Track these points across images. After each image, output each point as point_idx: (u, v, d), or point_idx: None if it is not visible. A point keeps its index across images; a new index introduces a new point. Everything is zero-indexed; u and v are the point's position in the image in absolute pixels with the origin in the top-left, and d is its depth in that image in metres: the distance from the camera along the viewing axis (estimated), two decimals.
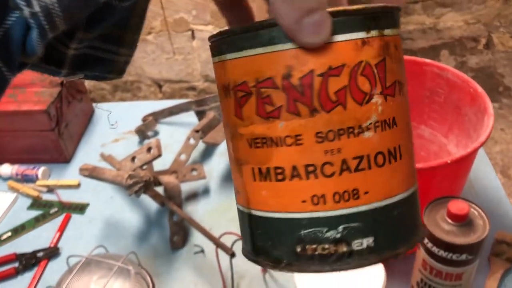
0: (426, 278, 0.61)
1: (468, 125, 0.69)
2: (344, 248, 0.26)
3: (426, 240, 0.58)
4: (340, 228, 0.25)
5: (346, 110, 0.25)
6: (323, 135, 0.25)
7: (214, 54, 0.29)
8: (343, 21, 0.25)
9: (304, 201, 0.26)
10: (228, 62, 0.27)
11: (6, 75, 0.25)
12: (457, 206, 0.56)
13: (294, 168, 0.26)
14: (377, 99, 0.25)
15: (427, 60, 0.73)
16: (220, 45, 0.28)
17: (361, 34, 0.25)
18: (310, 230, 0.26)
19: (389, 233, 0.27)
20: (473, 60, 2.08)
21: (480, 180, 0.82)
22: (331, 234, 0.26)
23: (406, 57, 0.76)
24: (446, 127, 0.75)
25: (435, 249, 0.57)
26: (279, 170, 0.26)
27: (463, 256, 0.56)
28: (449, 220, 0.57)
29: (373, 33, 0.25)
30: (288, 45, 0.25)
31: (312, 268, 0.26)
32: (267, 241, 0.28)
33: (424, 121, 0.77)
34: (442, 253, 0.56)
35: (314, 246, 0.26)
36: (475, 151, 0.59)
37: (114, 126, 1.07)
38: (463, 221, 0.56)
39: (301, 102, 0.25)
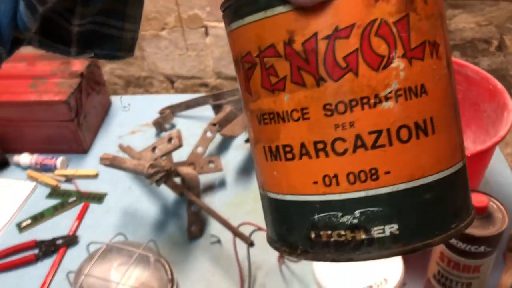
0: (443, 270, 0.61)
1: (487, 121, 0.69)
2: (362, 235, 0.23)
3: None
4: (357, 212, 0.23)
5: (358, 77, 0.22)
6: (332, 107, 0.22)
7: (225, 26, 0.26)
8: None
9: (315, 182, 0.23)
10: (234, 32, 0.25)
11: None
12: (477, 199, 0.57)
13: (303, 145, 0.23)
14: (398, 63, 0.22)
15: None
16: (226, 14, 0.26)
17: None
18: (323, 214, 0.23)
19: (419, 220, 0.23)
20: (485, 62, 2.08)
21: (496, 177, 0.83)
22: (347, 219, 0.23)
23: None
24: (463, 123, 0.75)
25: (453, 241, 0.58)
26: (287, 148, 0.24)
27: (482, 248, 0.57)
28: None
29: None
30: (288, 7, 0.22)
31: (328, 257, 0.24)
32: (282, 226, 0.26)
33: None
34: (460, 245, 0.57)
35: (329, 232, 0.23)
36: (495, 145, 0.59)
37: (127, 108, 1.09)
38: (483, 214, 0.57)
39: (305, 70, 0.22)
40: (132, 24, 0.35)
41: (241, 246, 0.73)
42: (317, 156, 0.23)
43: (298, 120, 0.23)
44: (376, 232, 0.23)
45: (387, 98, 0.22)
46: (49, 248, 0.81)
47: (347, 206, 0.23)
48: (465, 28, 2.06)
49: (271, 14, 0.22)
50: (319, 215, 0.23)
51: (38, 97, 0.93)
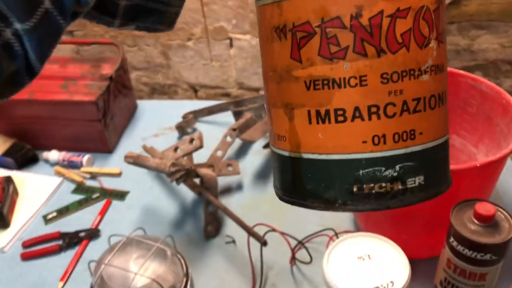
0: (450, 277, 0.63)
1: (499, 135, 0.71)
2: (399, 186, 0.27)
3: (451, 239, 0.60)
4: (397, 167, 0.26)
5: (409, 52, 0.25)
6: (388, 76, 0.25)
7: None
8: None
9: (364, 142, 0.26)
10: (287, 2, 0.27)
11: (61, 23, 0.27)
12: (484, 208, 0.59)
13: (357, 109, 0.26)
14: (433, 43, 0.26)
15: (462, 72, 0.76)
16: None
17: None
18: (368, 169, 0.26)
19: (436, 172, 0.28)
20: (507, 83, 2.08)
21: (507, 190, 0.84)
22: (388, 172, 0.26)
23: None
24: (476, 137, 0.77)
25: (460, 248, 0.59)
26: (340, 112, 0.26)
27: (487, 256, 0.58)
28: (476, 221, 0.59)
29: None
30: None
31: (367, 207, 0.27)
32: (319, 183, 0.28)
33: (456, 131, 0.80)
34: (466, 251, 0.59)
35: (372, 185, 0.27)
36: (504, 157, 0.61)
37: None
38: (489, 223, 0.59)
39: (369, 42, 0.25)
40: (179, 0, 0.36)
41: (254, 247, 0.75)
42: (370, 119, 0.26)
43: (355, 86, 0.26)
44: (409, 183, 0.27)
45: (425, 72, 0.26)
46: (72, 240, 0.85)
47: (390, 161, 0.26)
48: (488, 49, 2.07)
49: None
50: (363, 171, 0.27)
51: (69, 97, 0.98)
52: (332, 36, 0.25)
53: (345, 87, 0.26)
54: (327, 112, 0.26)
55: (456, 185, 0.64)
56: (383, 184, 0.26)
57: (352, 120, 0.26)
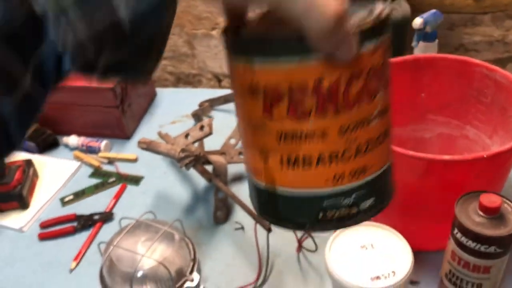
0: (454, 269, 0.62)
1: None
2: (355, 210, 0.32)
3: (455, 231, 0.59)
4: (353, 195, 0.31)
5: (362, 106, 0.29)
6: (345, 128, 0.30)
7: (237, 52, 0.30)
8: (364, 34, 0.28)
9: (327, 180, 0.31)
10: (258, 65, 0.29)
11: (39, 103, 0.30)
12: (489, 199, 0.57)
13: (320, 156, 0.30)
14: (381, 93, 0.30)
15: (476, 61, 0.74)
16: (248, 46, 0.30)
17: (374, 42, 0.29)
18: (331, 200, 0.32)
19: (382, 193, 0.33)
20: None
21: None
22: (347, 201, 0.31)
23: (456, 56, 0.77)
24: (491, 128, 0.75)
25: (464, 240, 0.58)
26: (307, 159, 0.31)
27: (492, 249, 0.57)
28: (480, 213, 0.58)
29: (381, 38, 0.29)
30: (320, 56, 0.28)
31: (330, 227, 0.33)
32: (291, 211, 0.33)
33: (469, 121, 0.78)
34: (470, 243, 0.58)
35: (334, 211, 0.32)
36: None
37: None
38: (494, 214, 0.57)
39: (329, 103, 0.29)
40: (156, 61, 0.36)
41: (263, 234, 0.76)
42: (330, 163, 0.31)
43: (318, 138, 0.30)
44: (362, 206, 0.32)
45: (374, 118, 0.30)
46: (87, 222, 0.87)
47: (348, 193, 0.31)
48: None
49: (307, 61, 0.28)
50: (327, 202, 0.32)
51: (88, 83, 1.01)
52: (298, 100, 0.29)
53: (311, 139, 0.30)
54: (296, 159, 0.31)
55: (463, 176, 0.63)
56: (343, 210, 0.32)
57: (317, 165, 0.31)
